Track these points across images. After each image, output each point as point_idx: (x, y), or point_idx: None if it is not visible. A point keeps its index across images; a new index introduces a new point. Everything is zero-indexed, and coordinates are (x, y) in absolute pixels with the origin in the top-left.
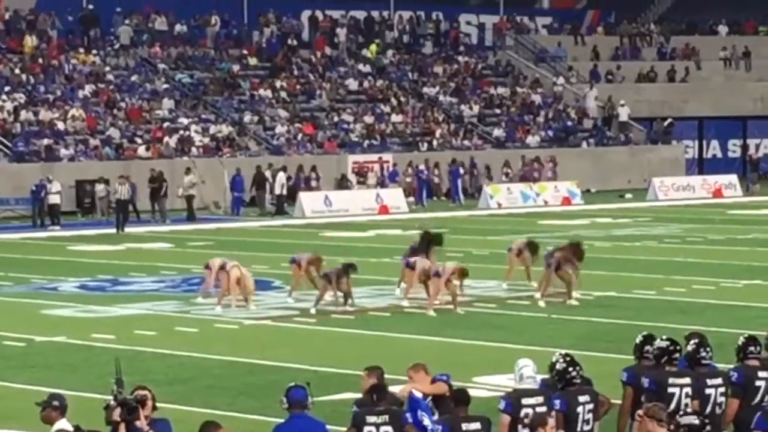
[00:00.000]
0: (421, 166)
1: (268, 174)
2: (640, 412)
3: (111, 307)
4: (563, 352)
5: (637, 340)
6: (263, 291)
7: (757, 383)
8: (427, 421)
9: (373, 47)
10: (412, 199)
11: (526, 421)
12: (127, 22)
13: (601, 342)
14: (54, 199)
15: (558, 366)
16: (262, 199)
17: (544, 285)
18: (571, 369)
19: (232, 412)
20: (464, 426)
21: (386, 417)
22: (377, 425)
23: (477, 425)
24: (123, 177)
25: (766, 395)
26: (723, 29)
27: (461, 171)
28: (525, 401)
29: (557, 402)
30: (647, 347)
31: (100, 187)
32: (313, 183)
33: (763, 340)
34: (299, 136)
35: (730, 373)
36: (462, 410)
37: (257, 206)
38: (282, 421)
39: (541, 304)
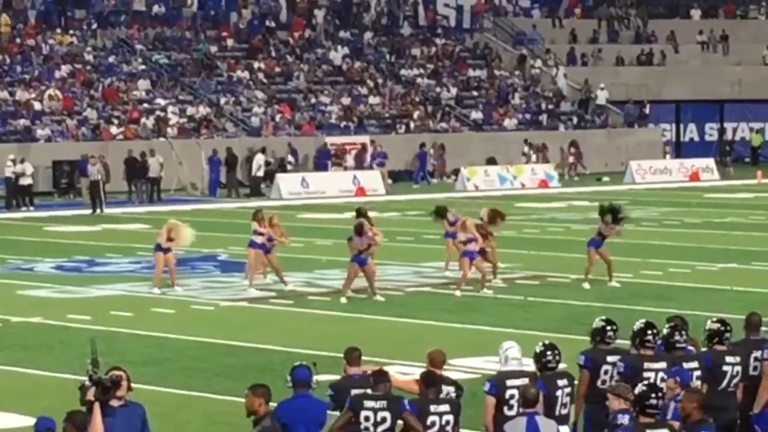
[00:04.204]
0: (378, 148)
1: (241, 156)
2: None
3: (87, 288)
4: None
5: (597, 325)
6: (239, 273)
7: (725, 368)
8: None
9: None
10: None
11: (512, 402)
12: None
13: (577, 325)
14: (26, 180)
15: (537, 349)
16: (233, 181)
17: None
18: (549, 353)
19: (208, 393)
20: (432, 408)
21: (384, 403)
22: (375, 410)
23: (446, 407)
24: (95, 157)
25: (733, 380)
26: (700, 13)
27: (428, 153)
28: (510, 383)
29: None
30: (609, 332)
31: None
32: (290, 165)
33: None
34: (277, 118)
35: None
36: (431, 392)
37: (227, 188)
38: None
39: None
